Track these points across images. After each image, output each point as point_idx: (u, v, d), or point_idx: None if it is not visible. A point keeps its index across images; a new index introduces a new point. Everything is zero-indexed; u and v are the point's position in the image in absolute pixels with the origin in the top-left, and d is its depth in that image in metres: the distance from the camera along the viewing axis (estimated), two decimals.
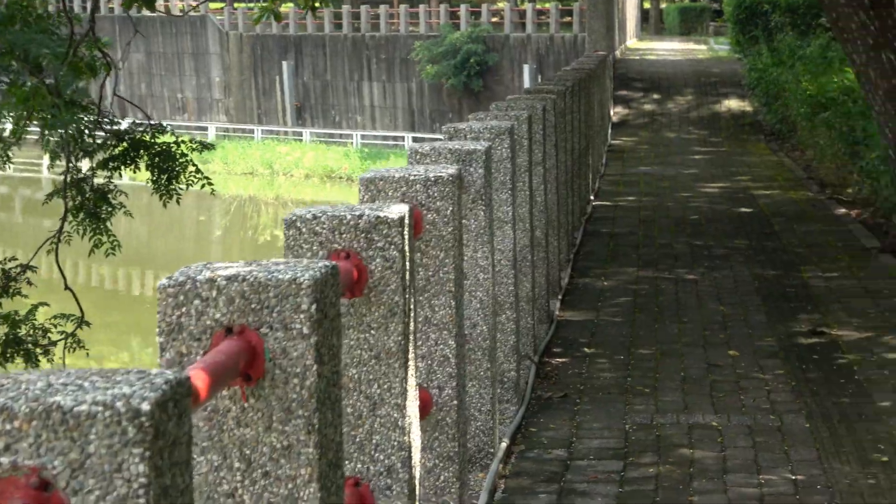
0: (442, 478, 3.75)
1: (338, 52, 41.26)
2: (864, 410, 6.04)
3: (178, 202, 8.53)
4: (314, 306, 2.00)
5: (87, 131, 7.92)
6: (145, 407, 1.12)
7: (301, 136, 41.82)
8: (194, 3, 39.29)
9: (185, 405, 1.28)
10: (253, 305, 1.98)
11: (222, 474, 1.97)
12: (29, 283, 7.94)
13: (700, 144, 19.56)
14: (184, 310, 1.98)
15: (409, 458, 2.95)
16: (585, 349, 7.55)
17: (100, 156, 8.20)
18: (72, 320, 8.58)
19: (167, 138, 8.48)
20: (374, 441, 2.82)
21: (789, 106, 17.22)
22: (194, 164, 8.45)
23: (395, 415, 2.84)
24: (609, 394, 6.47)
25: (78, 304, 8.67)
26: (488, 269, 5.02)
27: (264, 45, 41.93)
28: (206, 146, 8.91)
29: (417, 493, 3.13)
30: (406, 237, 2.88)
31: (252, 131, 43.00)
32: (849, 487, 4.86)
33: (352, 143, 40.85)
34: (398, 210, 2.89)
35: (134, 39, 37.29)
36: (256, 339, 2.03)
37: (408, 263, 2.91)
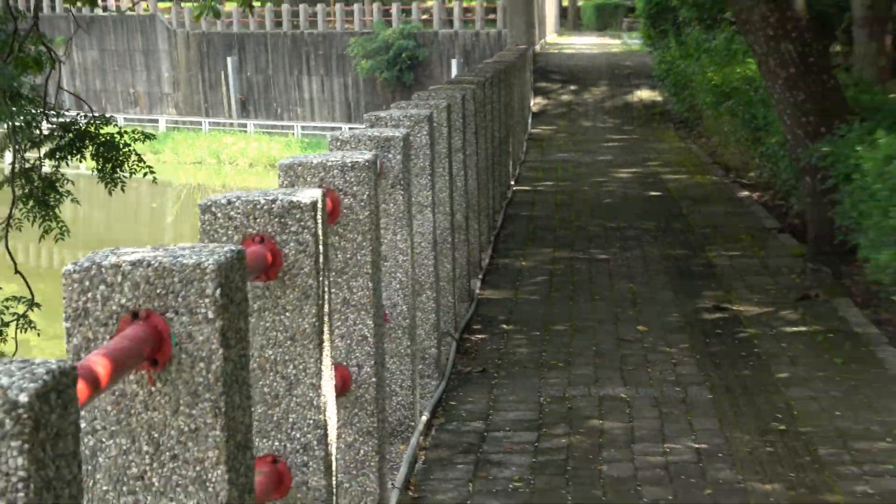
0: (362, 452, 3.72)
1: (278, 48, 42.21)
2: (763, 382, 6.13)
3: (122, 189, 8.55)
4: (218, 291, 1.91)
5: (33, 123, 8.01)
6: (23, 399, 1.07)
7: (245, 127, 42.36)
8: (138, 1, 42.20)
9: (70, 395, 1.21)
10: (158, 290, 1.90)
11: (131, 457, 1.88)
12: None
13: (614, 132, 19.73)
14: (89, 295, 1.90)
15: (325, 435, 2.89)
16: (504, 326, 7.59)
17: (47, 146, 8.22)
18: (23, 302, 8.49)
19: (110, 129, 8.51)
20: (290, 420, 2.76)
21: (696, 96, 17.38)
22: (137, 154, 8.46)
23: (311, 394, 2.79)
24: (525, 368, 6.52)
25: (28, 287, 8.60)
26: (407, 251, 4.99)
27: (210, 42, 42.49)
28: (147, 136, 8.91)
29: (334, 468, 3.09)
30: (319, 221, 2.82)
31: (200, 123, 43.48)
32: (749, 455, 4.93)
33: (293, 133, 41.45)
34: (311, 195, 2.82)
35: (88, 37, 39.47)
36: (162, 325, 1.95)
37: (321, 247, 2.83)
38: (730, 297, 8.21)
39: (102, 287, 1.88)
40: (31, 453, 1.07)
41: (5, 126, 8.06)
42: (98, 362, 1.57)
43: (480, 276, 8.65)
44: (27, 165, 8.09)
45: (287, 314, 2.79)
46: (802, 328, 7.36)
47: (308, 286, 2.79)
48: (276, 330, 2.79)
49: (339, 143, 4.60)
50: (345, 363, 3.68)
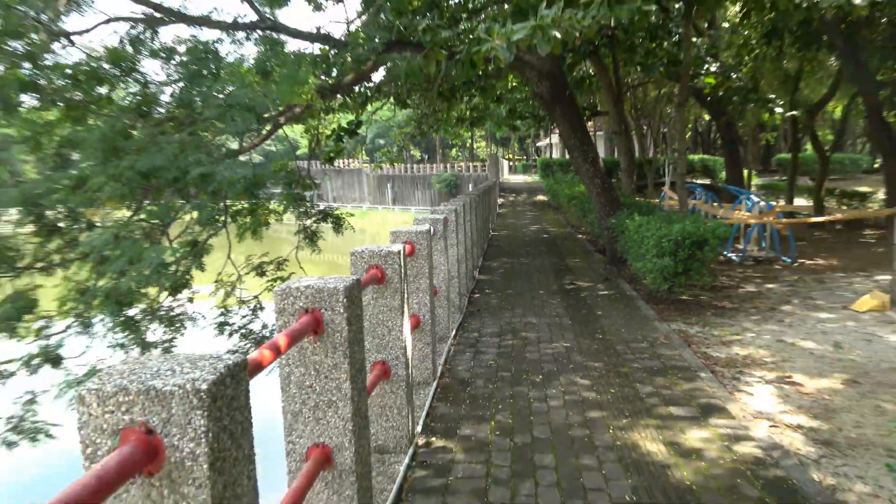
0: (426, 352, 5.43)
1: (406, 179, 58.93)
2: (591, 316, 8.32)
3: (341, 234, 11.44)
4: (345, 299, 2.89)
5: (309, 209, 11.07)
6: (204, 387, 1.62)
7: (395, 208, 57.30)
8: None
9: (242, 377, 1.78)
10: (318, 299, 2.90)
11: (305, 377, 2.95)
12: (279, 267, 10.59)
13: (529, 212, 25.70)
14: (286, 301, 2.88)
15: (405, 352, 4.14)
16: (487, 290, 10.26)
17: (314, 217, 11.18)
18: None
19: (338, 212, 11.54)
20: (390, 344, 4.14)
21: (560, 197, 23.48)
22: (346, 220, 11.58)
23: (399, 334, 4.13)
24: (495, 310, 8.82)
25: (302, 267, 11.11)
26: (445, 263, 7.01)
27: (381, 177, 58.58)
28: (351, 214, 12.04)
29: (410, 363, 4.30)
30: (402, 259, 4.14)
31: (377, 207, 58.85)
32: (587, 350, 6.75)
33: (412, 211, 53.89)
34: (398, 247, 4.18)
35: (330, 176, 58.57)
36: (319, 315, 2.92)
37: (403, 270, 4.16)
38: (576, 278, 11.12)
39: (291, 298, 2.86)
40: (211, 414, 1.62)
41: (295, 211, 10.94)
42: (279, 340, 2.47)
43: (477, 270, 11.69)
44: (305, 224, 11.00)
45: (387, 299, 4.13)
46: (606, 292, 9.91)
47: (397, 287, 4.11)
48: (383, 306, 4.15)
49: (418, 221, 6.53)
50: (419, 314, 5.40)
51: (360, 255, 4.16)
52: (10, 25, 8.94)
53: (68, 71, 9.22)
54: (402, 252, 4.26)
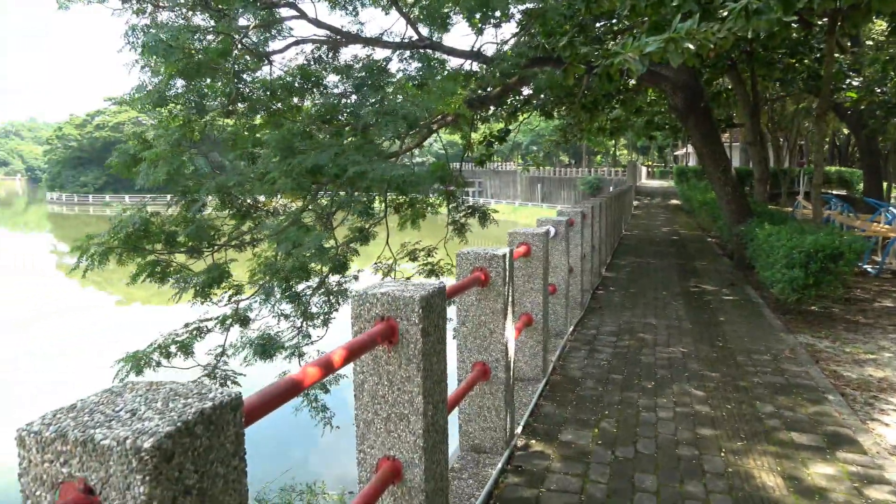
0: (537, 349, 4.73)
1: (554, 180, 56.98)
2: (713, 322, 7.07)
3: (485, 227, 10.80)
4: (420, 310, 2.29)
5: (460, 204, 10.66)
6: (147, 445, 1.08)
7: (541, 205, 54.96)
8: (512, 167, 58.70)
9: (226, 421, 1.26)
10: (394, 307, 2.34)
11: (379, 386, 2.39)
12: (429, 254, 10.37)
13: (663, 215, 23.47)
14: (362, 307, 2.34)
15: (506, 354, 3.50)
16: (611, 288, 9.08)
17: (464, 212, 10.79)
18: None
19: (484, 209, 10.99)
20: (491, 346, 3.48)
21: (693, 201, 21.20)
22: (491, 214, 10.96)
23: (500, 336, 3.44)
24: (617, 308, 7.73)
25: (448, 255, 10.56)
26: (566, 264, 6.07)
27: (531, 180, 57.25)
28: (495, 211, 11.45)
29: (511, 364, 3.64)
30: (507, 263, 3.47)
31: (527, 204, 57.28)
32: (704, 356, 5.65)
33: (558, 207, 55.12)
34: (503, 251, 3.50)
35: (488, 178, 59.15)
36: (394, 324, 2.36)
37: (507, 275, 3.51)
38: (701, 281, 9.70)
39: (367, 304, 2.34)
40: (157, 482, 1.08)
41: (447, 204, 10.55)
42: (343, 349, 2.01)
43: (605, 267, 10.50)
44: (455, 218, 10.61)
45: (490, 301, 3.46)
46: (730, 297, 8.50)
47: (500, 290, 3.44)
48: (486, 308, 3.48)
49: (540, 222, 5.82)
50: (532, 312, 4.69)
51: (466, 257, 3.53)
52: (225, 46, 9.08)
53: (259, 84, 9.31)
54: (507, 256, 3.57)
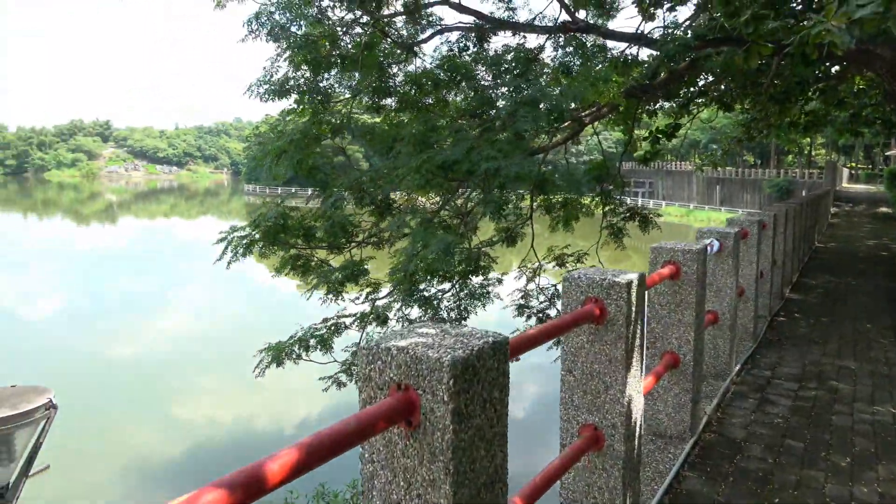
0: (682, 400, 3.67)
1: (736, 182, 53.25)
2: None
3: (647, 232, 9.81)
4: (452, 381, 1.42)
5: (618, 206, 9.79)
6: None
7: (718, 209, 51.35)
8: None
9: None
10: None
11: (392, 487, 1.56)
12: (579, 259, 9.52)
13: (868, 225, 20.09)
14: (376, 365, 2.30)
15: (626, 418, 2.58)
16: (796, 314, 7.39)
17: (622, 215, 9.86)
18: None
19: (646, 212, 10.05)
20: (605, 407, 2.57)
21: None
22: (655, 217, 10.04)
23: (616, 391, 2.54)
24: (801, 342, 6.18)
25: (601, 262, 9.89)
26: (732, 285, 4.81)
27: (709, 180, 53.36)
28: (658, 214, 10.35)
29: (637, 430, 2.77)
30: (633, 292, 2.54)
31: (703, 207, 53.18)
32: None
33: (739, 212, 49.26)
34: (628, 277, 2.56)
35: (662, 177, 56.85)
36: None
37: (633, 308, 2.56)
38: None
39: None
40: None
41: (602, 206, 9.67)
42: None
43: (789, 288, 8.67)
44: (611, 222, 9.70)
45: (606, 345, 2.54)
46: None
47: (621, 332, 2.50)
48: (600, 353, 2.56)
49: (701, 234, 4.68)
50: (678, 351, 3.63)
51: (576, 282, 2.60)
52: (374, 39, 8.78)
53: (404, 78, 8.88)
54: (633, 284, 2.58)
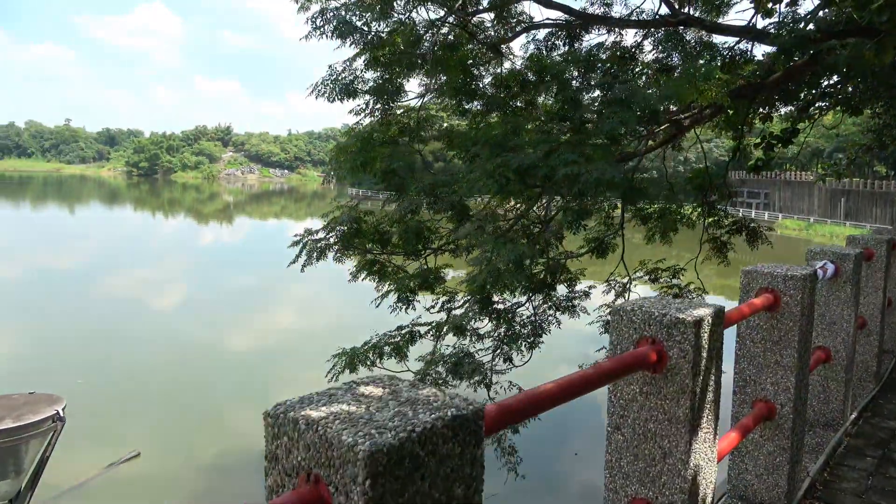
0: (777, 459, 2.98)
1: (874, 198, 48.19)
2: None
3: (756, 247, 8.95)
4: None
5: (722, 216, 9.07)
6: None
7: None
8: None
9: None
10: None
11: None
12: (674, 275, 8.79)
13: None
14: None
15: (695, 491, 2.06)
16: None
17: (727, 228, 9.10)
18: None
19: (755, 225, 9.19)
20: (662, 480, 2.05)
21: None
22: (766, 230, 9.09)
23: (679, 465, 2.01)
24: None
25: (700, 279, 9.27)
26: (850, 318, 3.98)
27: (833, 191, 48.79)
28: (770, 228, 9.40)
29: None
30: (704, 333, 1.97)
31: (825, 222, 49.25)
32: None
33: (867, 227, 43.67)
34: (699, 313, 1.99)
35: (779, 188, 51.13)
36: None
37: (703, 353, 1.98)
38: None
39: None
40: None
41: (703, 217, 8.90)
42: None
43: None
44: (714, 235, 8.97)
45: (665, 401, 1.99)
46: None
47: (685, 384, 1.95)
48: (657, 409, 2.02)
49: (812, 254, 3.92)
50: (773, 400, 2.95)
51: (627, 318, 2.03)
52: (461, 40, 8.45)
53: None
54: (705, 321, 1.97)
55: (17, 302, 22.19)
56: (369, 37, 6.22)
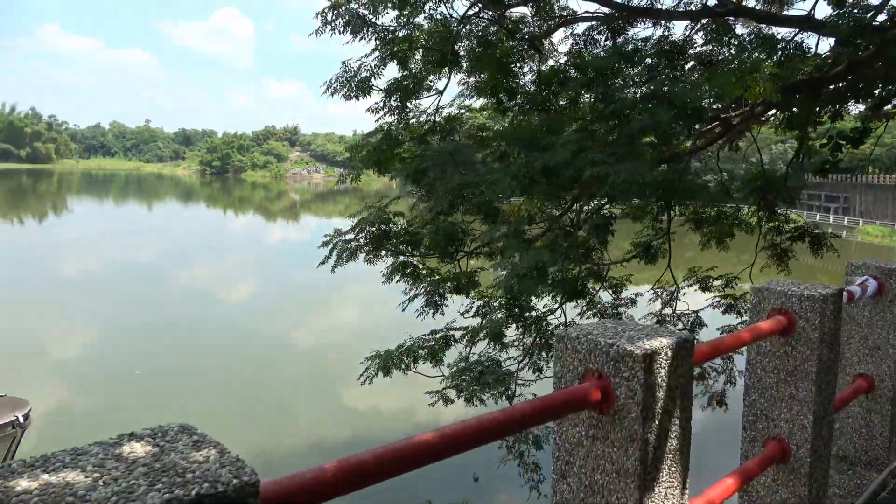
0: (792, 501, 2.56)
1: None
2: None
3: (821, 255, 8.30)
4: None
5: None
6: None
7: None
8: None
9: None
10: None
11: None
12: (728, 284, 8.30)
13: None
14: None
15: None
16: None
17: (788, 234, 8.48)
18: None
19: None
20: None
21: None
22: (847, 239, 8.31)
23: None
24: None
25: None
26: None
27: None
28: (836, 235, 8.80)
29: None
30: (658, 371, 1.60)
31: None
32: None
33: None
34: (650, 346, 1.59)
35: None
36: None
37: (655, 395, 1.60)
38: None
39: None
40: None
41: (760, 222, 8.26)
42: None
43: None
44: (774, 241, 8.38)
45: (614, 449, 1.63)
46: None
47: (634, 430, 1.58)
48: (604, 459, 1.66)
49: (852, 269, 3.42)
50: (785, 438, 2.55)
51: (572, 347, 1.70)
52: (499, 35, 8.20)
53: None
54: (661, 356, 1.63)
55: (99, 293, 23.33)
56: (389, 34, 5.99)
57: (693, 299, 9.50)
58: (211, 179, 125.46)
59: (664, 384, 1.60)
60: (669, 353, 1.60)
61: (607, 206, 6.28)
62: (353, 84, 5.98)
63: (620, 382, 1.57)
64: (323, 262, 7.90)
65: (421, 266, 8.47)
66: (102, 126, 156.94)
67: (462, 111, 7.84)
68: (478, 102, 8.80)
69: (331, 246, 7.92)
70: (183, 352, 16.25)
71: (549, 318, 7.48)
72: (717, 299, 8.86)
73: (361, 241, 8.01)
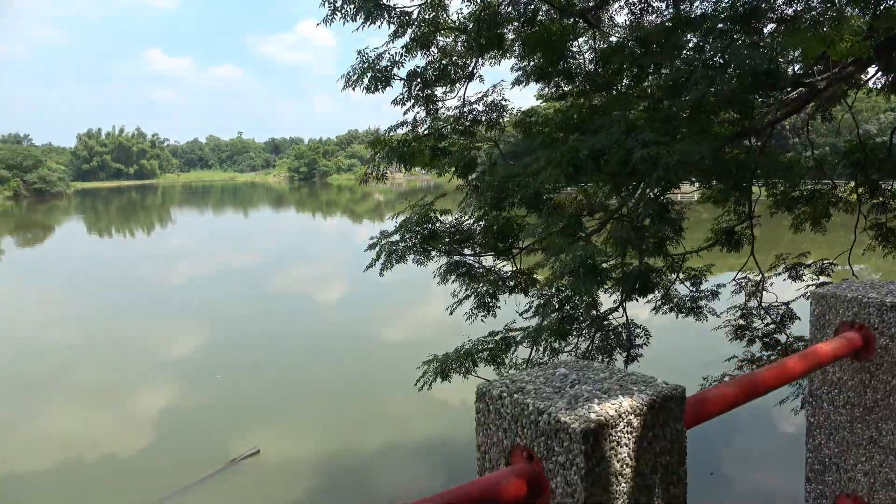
0: None
1: None
2: None
3: None
4: None
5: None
6: None
7: None
8: None
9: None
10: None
11: None
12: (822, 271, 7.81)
13: None
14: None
15: None
16: None
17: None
18: None
19: None
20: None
21: None
22: None
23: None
24: None
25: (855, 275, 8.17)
26: None
27: None
28: None
29: None
30: (596, 450, 0.99)
31: None
32: None
33: None
34: (588, 419, 1.14)
35: None
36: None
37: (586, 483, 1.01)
38: None
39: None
40: None
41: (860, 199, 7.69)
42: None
43: None
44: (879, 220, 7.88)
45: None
46: None
47: None
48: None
49: None
50: (865, 497, 1.92)
51: (496, 412, 1.17)
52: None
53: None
54: (602, 434, 1.05)
55: (197, 299, 24.50)
56: (413, 19, 5.51)
57: (783, 289, 8.57)
58: (299, 185, 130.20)
59: (627, 469, 1.04)
60: (635, 422, 1.04)
61: (662, 192, 5.53)
62: (374, 73, 5.54)
63: (555, 470, 1.02)
64: (370, 266, 7.58)
65: (477, 265, 8.04)
66: (200, 140, 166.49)
67: (505, 101, 7.28)
68: (530, 90, 8.20)
69: (377, 248, 7.58)
70: (284, 350, 16.63)
71: (611, 316, 6.81)
72: (813, 288, 7.85)
73: (409, 241, 7.64)
